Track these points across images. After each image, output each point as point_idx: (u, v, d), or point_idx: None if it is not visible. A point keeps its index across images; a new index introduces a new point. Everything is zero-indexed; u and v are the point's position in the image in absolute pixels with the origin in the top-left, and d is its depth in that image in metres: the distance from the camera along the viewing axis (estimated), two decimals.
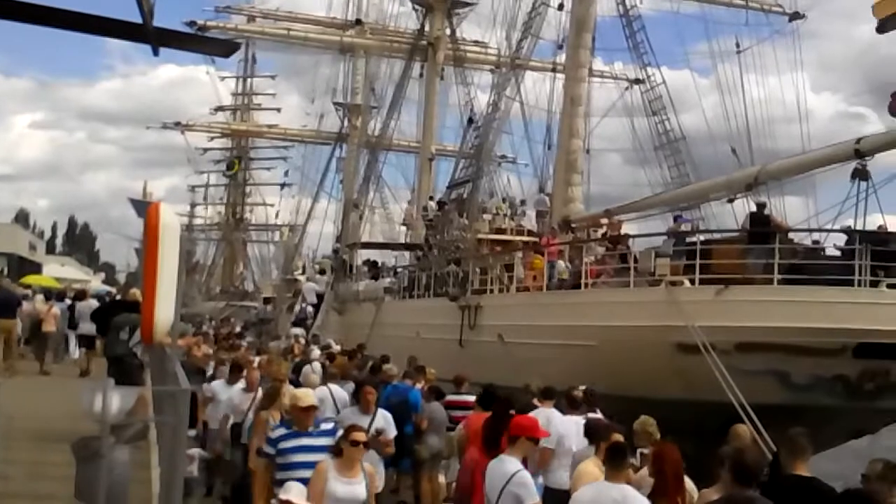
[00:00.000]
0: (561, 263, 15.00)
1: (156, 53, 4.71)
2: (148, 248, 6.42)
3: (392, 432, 7.91)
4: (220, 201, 62.49)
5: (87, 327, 17.00)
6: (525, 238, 20.81)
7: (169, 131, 49.78)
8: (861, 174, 12.49)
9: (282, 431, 6.16)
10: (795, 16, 21.69)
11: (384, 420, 7.86)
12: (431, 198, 27.29)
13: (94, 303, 18.27)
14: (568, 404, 8.64)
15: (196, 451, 9.00)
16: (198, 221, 63.39)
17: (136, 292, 12.36)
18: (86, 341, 17.44)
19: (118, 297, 14.80)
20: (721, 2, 22.50)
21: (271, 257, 56.06)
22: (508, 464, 5.59)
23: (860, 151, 12.48)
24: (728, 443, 7.66)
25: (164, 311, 6.22)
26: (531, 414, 7.35)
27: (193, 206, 63.69)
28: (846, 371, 11.56)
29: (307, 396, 6.32)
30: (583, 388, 9.45)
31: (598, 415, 8.71)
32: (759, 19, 21.83)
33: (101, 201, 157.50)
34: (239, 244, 60.44)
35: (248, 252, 61.61)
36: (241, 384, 9.52)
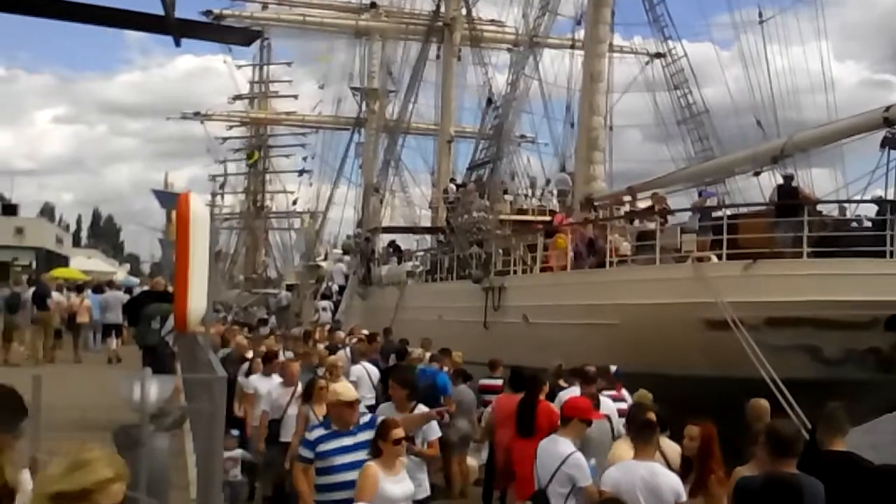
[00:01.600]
0: (625, 244, 14.68)
1: (178, 44, 4.73)
2: (179, 237, 6.46)
3: (434, 433, 6.92)
4: (241, 190, 62.85)
5: (114, 316, 17.31)
6: (545, 218, 20.67)
7: (188, 121, 50.03)
8: (891, 142, 12.28)
9: (320, 432, 5.67)
10: None
11: None
12: (453, 180, 27.20)
13: (121, 294, 18.55)
14: (582, 381, 8.68)
15: (239, 453, 8.76)
16: (219, 210, 63.80)
17: (160, 280, 12.51)
18: (113, 330, 17.78)
19: (146, 288, 15.01)
20: None
21: (293, 244, 56.33)
22: (562, 445, 5.60)
23: (889, 119, 12.25)
24: (747, 415, 7.68)
25: (197, 299, 6.28)
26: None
27: (214, 195, 64.01)
28: (879, 344, 11.41)
29: (349, 390, 5.81)
30: (614, 368, 9.44)
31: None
32: None
33: (124, 193, 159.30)
34: (260, 232, 60.73)
35: (270, 239, 61.96)
36: (277, 377, 9.04)
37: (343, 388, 5.87)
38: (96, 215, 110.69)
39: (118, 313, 16.77)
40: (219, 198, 63.91)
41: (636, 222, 16.23)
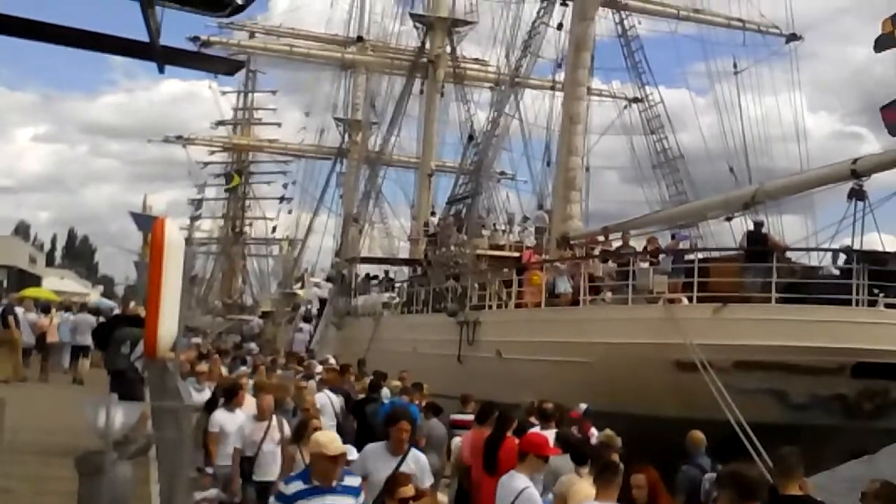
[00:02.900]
0: (664, 277, 14.33)
1: (161, 71, 4.79)
2: (153, 263, 6.47)
3: (427, 479, 6.26)
4: (220, 215, 62.58)
5: (83, 339, 17.17)
6: (514, 254, 20.78)
7: (170, 145, 49.82)
8: (858, 194, 12.57)
9: (299, 486, 4.92)
10: (792, 37, 21.88)
11: (416, 464, 6.14)
12: (434, 213, 27.32)
13: (90, 317, 18.38)
14: (541, 419, 8.77)
15: (215, 493, 8.09)
16: (197, 235, 63.47)
17: (135, 306, 12.42)
18: (81, 352, 17.61)
19: (118, 312, 14.89)
20: (718, 23, 22.65)
21: (270, 271, 56.09)
22: (517, 480, 5.65)
23: (856, 172, 12.58)
24: (686, 447, 7.84)
25: (168, 326, 6.27)
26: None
27: (193, 219, 63.68)
28: (844, 390, 11.59)
29: (333, 442, 4.99)
30: (584, 406, 9.50)
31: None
32: (756, 40, 22.04)
33: (102, 214, 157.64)
34: (238, 258, 60.39)
35: (247, 266, 61.58)
36: (244, 410, 8.46)
37: (326, 440, 5.05)
38: (71, 235, 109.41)
39: (88, 336, 16.62)
40: (197, 222, 63.59)
41: (610, 262, 16.43)
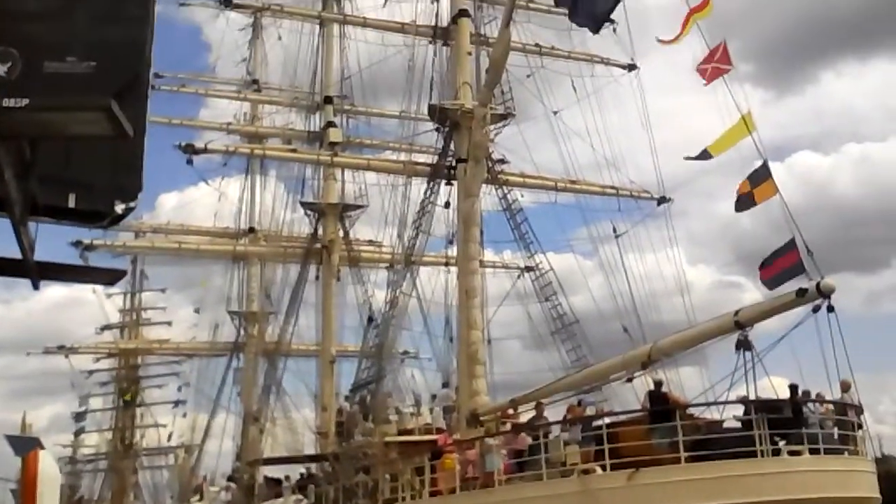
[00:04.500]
0: (575, 447, 13.64)
1: (36, 287, 4.60)
2: (25, 501, 5.96)
3: None
4: (107, 427, 58.21)
5: None
6: (431, 437, 20.17)
7: (51, 356, 46.95)
8: (744, 345, 13.05)
9: None
10: (663, 199, 23.66)
11: None
12: (347, 397, 26.42)
13: None
14: None
15: None
16: (82, 451, 58.69)
17: None
18: None
19: None
20: (594, 191, 24.19)
21: (165, 484, 51.92)
22: None
23: (739, 323, 13.14)
24: None
25: None
26: None
27: (78, 434, 59.09)
28: None
29: None
30: None
31: None
32: (631, 205, 23.67)
33: None
34: (129, 473, 55.74)
35: (140, 480, 56.79)
36: None
37: None
38: None
39: None
40: (81, 436, 58.98)
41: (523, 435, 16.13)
